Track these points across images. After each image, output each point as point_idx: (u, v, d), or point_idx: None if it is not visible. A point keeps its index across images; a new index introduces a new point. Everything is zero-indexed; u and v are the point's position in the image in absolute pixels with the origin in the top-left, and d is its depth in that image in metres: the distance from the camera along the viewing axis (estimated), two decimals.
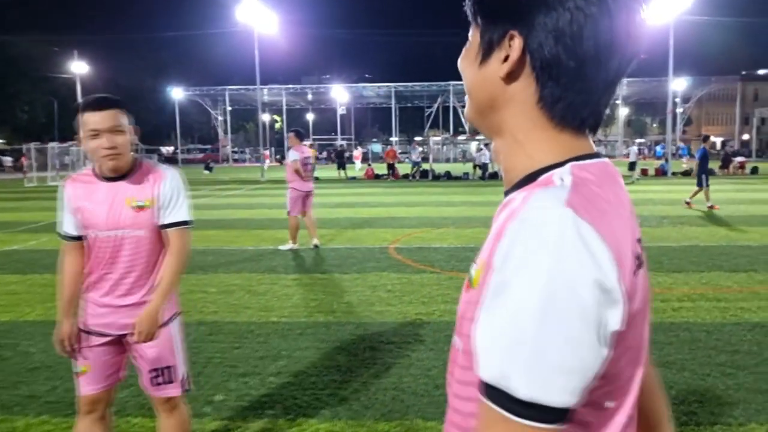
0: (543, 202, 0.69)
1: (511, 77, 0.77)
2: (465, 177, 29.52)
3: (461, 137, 62.94)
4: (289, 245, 8.84)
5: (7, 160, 55.53)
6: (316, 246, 8.81)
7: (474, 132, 75.55)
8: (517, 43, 0.75)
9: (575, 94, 0.76)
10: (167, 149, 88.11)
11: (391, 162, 30.59)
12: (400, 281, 6.60)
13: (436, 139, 62.76)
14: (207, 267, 7.61)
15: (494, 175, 28.99)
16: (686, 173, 29.34)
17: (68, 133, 53.41)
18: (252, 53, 37.53)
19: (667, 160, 31.31)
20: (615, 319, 0.66)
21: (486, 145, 31.67)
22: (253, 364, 4.12)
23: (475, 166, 29.75)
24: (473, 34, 0.83)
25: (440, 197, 18.18)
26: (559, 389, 0.63)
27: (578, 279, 0.63)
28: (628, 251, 0.70)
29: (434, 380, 3.80)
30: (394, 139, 79.24)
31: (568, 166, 0.75)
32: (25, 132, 61.77)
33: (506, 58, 0.77)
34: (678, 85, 61.52)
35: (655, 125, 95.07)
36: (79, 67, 51.13)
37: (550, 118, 0.78)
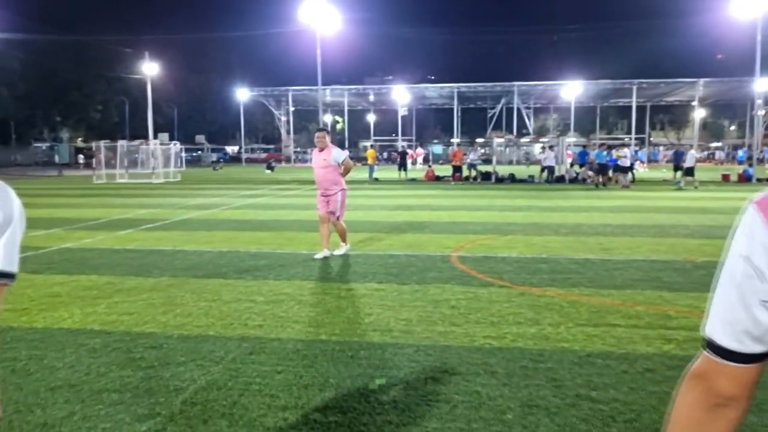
0: (750, 198, 0.92)
1: None
2: (530, 180, 28.38)
3: (524, 139, 61.39)
4: (344, 248, 8.31)
5: (80, 158, 58.03)
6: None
7: (538, 134, 73.81)
8: None
9: None
10: (232, 148, 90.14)
11: (458, 164, 29.38)
12: (465, 296, 5.92)
13: (498, 140, 61.47)
14: (257, 272, 7.16)
15: (561, 179, 27.78)
16: None
17: (139, 132, 55.38)
18: (315, 53, 37.55)
19: (751, 165, 29.20)
20: (763, 292, 0.86)
21: (551, 147, 30.38)
22: (296, 395, 3.56)
23: (542, 169, 28.54)
24: None
25: (505, 201, 17.32)
26: (721, 334, 0.92)
27: (736, 254, 0.89)
28: None
29: (510, 427, 3.13)
30: (455, 140, 78.17)
31: None
32: (99, 131, 64.29)
33: None
34: (763, 85, 57.94)
35: (733, 128, 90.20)
36: (150, 68, 52.62)
37: None
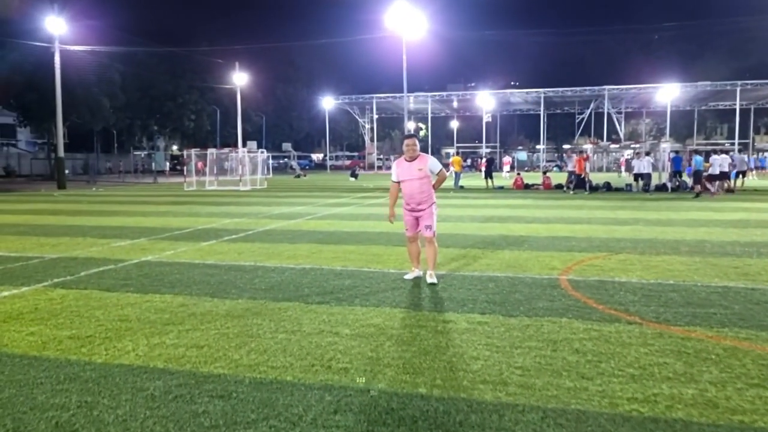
0: None
1: None
2: (627, 189, 26.44)
3: (614, 145, 58.29)
4: (435, 276, 7.24)
5: (167, 165, 60.56)
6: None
7: (633, 138, 69.86)
8: None
9: None
10: (317, 156, 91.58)
11: (581, 174, 25.65)
12: (588, 335, 4.90)
13: (587, 146, 58.99)
14: (343, 295, 6.41)
15: (662, 188, 25.65)
16: None
17: (230, 140, 57.18)
18: (399, 60, 37.06)
19: None
20: None
21: (647, 153, 28.17)
22: None
23: (636, 177, 26.44)
24: None
25: (605, 213, 15.86)
26: None
27: None
28: None
29: None
30: (540, 147, 75.65)
31: None
32: (192, 139, 66.88)
33: None
34: None
35: None
36: (240, 78, 53.99)
37: None
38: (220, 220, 14.51)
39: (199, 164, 35.53)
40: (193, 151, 35.12)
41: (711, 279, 7.15)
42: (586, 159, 27.40)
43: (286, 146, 77.60)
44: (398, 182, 7.13)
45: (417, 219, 7.10)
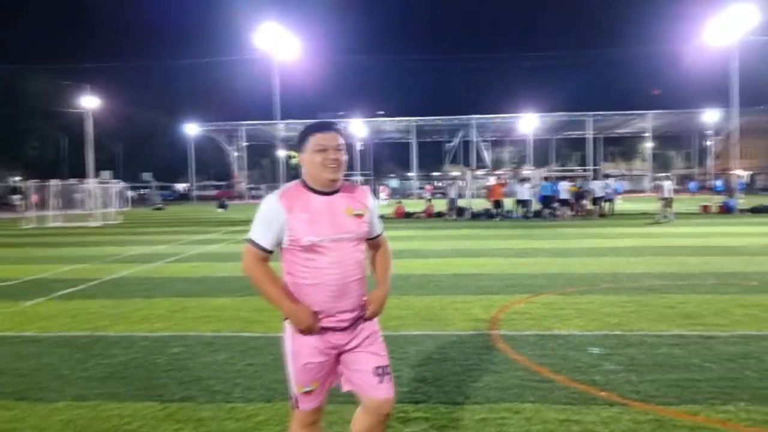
0: None
1: None
2: (508, 216, 26.49)
3: (479, 172, 60.30)
4: None
5: (16, 198, 53.60)
6: None
7: (495, 167, 72.97)
8: None
9: None
10: (183, 186, 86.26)
11: (498, 199, 25.92)
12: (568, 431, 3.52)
13: (455, 174, 60.44)
14: (216, 383, 4.57)
15: (538, 214, 25.86)
16: (757, 210, 26.07)
17: (81, 170, 51.61)
18: (268, 86, 35.40)
19: (731, 195, 28.11)
20: None
21: (528, 180, 28.62)
22: None
23: (518, 203, 26.65)
24: None
25: (499, 243, 15.09)
26: None
27: None
28: None
29: None
30: (412, 174, 76.71)
31: None
32: (35, 169, 59.95)
33: None
34: (712, 116, 58.82)
35: (679, 159, 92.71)
36: (90, 102, 49.12)
37: None
38: (56, 267, 11.83)
39: (34, 197, 31.15)
40: (32, 183, 30.71)
41: (656, 325, 6.17)
42: (504, 185, 27.74)
43: (147, 176, 72.21)
44: (271, 251, 2.56)
45: (338, 355, 2.65)
